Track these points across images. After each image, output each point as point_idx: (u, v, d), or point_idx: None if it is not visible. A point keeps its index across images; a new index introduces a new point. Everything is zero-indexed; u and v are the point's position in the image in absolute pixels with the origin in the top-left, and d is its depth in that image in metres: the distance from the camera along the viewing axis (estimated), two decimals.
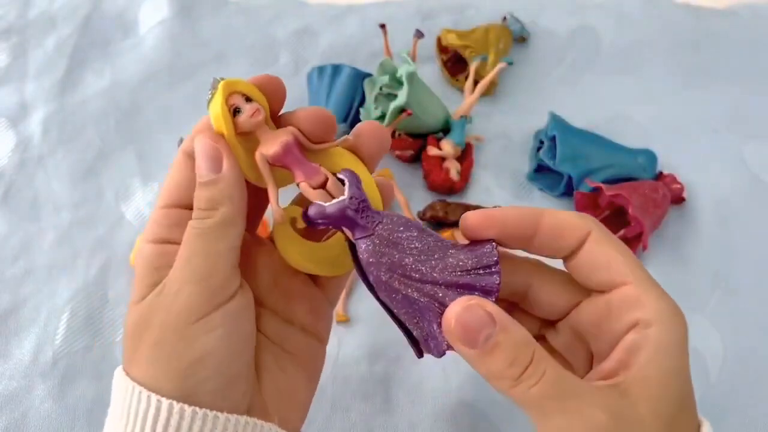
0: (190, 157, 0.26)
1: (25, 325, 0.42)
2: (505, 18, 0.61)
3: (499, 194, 0.50)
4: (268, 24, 0.62)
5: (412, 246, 0.24)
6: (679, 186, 0.49)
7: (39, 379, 0.40)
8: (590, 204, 0.48)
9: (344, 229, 0.25)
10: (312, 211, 0.25)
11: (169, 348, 0.23)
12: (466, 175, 0.50)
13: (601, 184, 0.46)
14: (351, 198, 0.24)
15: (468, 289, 0.24)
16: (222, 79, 0.25)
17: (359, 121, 0.49)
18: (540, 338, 0.29)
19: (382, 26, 0.55)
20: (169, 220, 0.25)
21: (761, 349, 0.42)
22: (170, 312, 0.24)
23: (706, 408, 0.39)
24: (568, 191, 0.49)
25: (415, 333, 0.25)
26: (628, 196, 0.44)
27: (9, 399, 0.39)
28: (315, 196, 0.25)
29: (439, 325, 0.24)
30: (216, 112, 0.24)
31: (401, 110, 0.48)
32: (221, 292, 0.24)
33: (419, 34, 0.55)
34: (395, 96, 0.50)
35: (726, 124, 0.55)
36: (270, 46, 0.61)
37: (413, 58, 0.54)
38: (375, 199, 0.27)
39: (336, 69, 0.53)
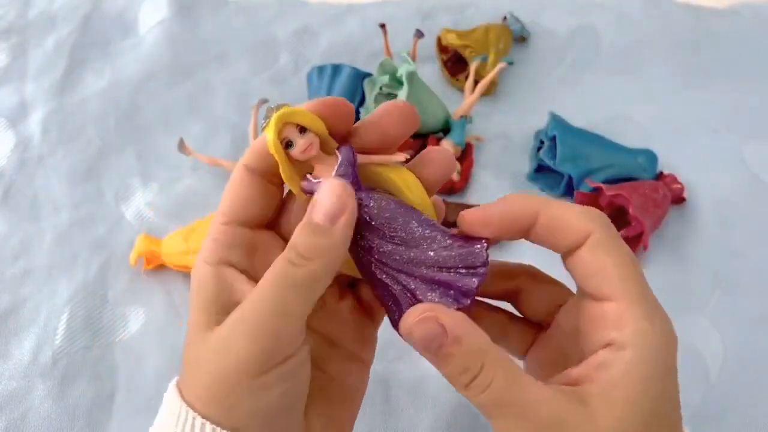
0: (252, 173, 0.25)
1: (25, 325, 0.42)
2: (505, 18, 0.61)
3: (499, 194, 0.49)
4: (268, 24, 0.62)
5: (395, 234, 0.24)
6: (679, 186, 0.49)
7: (39, 379, 0.40)
8: (590, 204, 0.48)
9: None
10: (304, 185, 0.24)
11: (220, 396, 0.22)
12: (466, 175, 0.50)
13: (602, 184, 0.46)
14: (336, 176, 0.24)
15: (445, 286, 0.24)
16: (276, 107, 0.24)
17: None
18: (545, 325, 0.29)
19: (382, 26, 0.55)
20: (228, 238, 0.24)
21: (761, 349, 0.42)
22: (222, 363, 0.22)
23: (706, 408, 0.39)
24: (568, 191, 0.49)
25: (389, 316, 0.25)
26: (628, 196, 0.44)
27: (9, 399, 0.39)
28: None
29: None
30: (269, 144, 0.24)
31: None
32: (286, 349, 0.22)
33: (419, 34, 0.55)
34: (395, 96, 0.50)
35: (726, 124, 0.55)
36: (270, 46, 0.61)
37: (413, 58, 0.54)
38: (421, 200, 0.26)
39: (336, 69, 0.53)
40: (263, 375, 0.22)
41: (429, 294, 0.24)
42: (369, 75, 0.52)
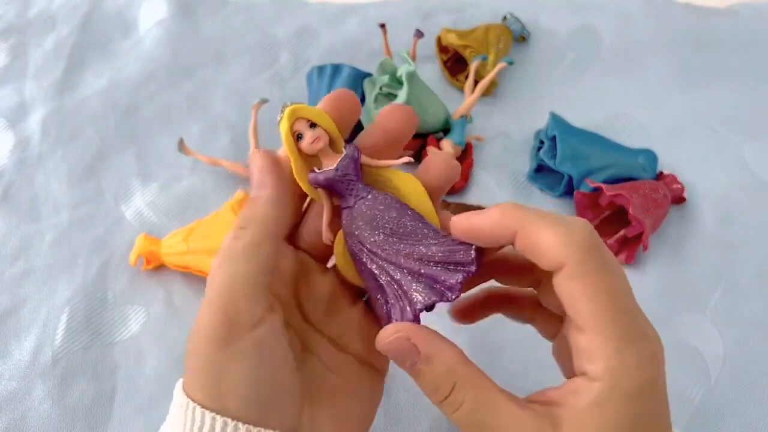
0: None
1: (25, 325, 0.42)
2: (505, 18, 0.61)
3: (499, 194, 0.50)
4: (268, 24, 0.62)
5: (387, 226, 0.25)
6: (679, 186, 0.49)
7: (38, 379, 0.40)
8: (591, 204, 0.48)
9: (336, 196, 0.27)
10: (311, 176, 0.26)
11: (202, 375, 0.23)
12: (466, 175, 0.50)
13: (602, 184, 0.46)
14: (337, 170, 0.26)
15: (430, 279, 0.25)
16: (289, 104, 0.26)
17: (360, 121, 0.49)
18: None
19: (382, 26, 0.55)
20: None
21: (761, 349, 0.42)
22: (197, 339, 0.23)
23: (706, 408, 0.39)
24: (568, 191, 0.49)
25: (376, 308, 0.26)
26: (628, 196, 0.44)
27: (8, 399, 0.39)
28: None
29: (394, 306, 0.25)
30: (282, 136, 0.26)
31: None
32: (241, 321, 0.23)
33: (419, 34, 0.55)
34: (395, 96, 0.50)
35: (726, 124, 0.55)
36: (270, 45, 0.61)
37: (413, 58, 0.54)
38: (423, 204, 0.27)
39: (336, 69, 0.53)
40: (231, 344, 0.23)
41: (414, 285, 0.25)
42: (369, 75, 0.52)
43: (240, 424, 0.22)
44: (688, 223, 0.48)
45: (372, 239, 0.25)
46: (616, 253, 0.46)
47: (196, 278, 0.44)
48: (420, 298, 0.25)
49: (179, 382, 0.25)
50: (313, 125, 0.26)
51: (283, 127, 0.26)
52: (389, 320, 0.25)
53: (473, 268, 0.25)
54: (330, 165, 0.26)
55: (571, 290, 0.22)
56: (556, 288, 0.23)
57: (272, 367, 0.24)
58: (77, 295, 0.44)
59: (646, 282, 0.45)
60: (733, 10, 0.64)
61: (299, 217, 0.28)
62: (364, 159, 0.27)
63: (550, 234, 0.22)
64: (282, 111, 0.26)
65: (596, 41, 0.61)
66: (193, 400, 0.23)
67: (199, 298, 0.43)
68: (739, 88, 0.57)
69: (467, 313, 0.31)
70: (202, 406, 0.23)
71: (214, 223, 0.43)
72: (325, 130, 0.26)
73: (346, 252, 0.27)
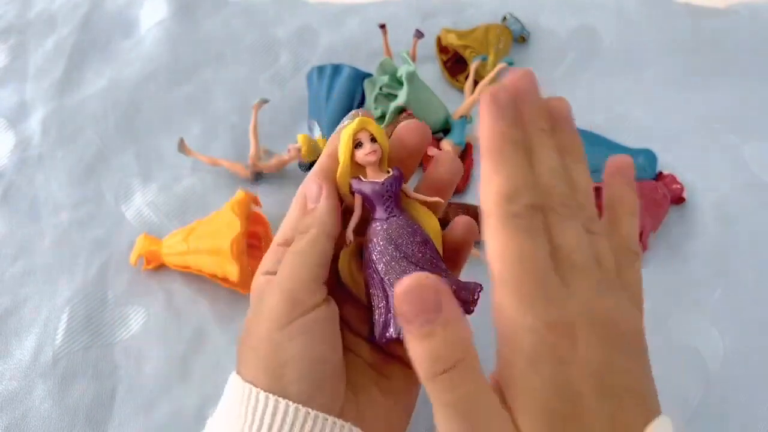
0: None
1: (25, 325, 0.42)
2: (505, 18, 0.61)
3: None
4: (268, 24, 0.62)
5: (409, 247, 0.28)
6: (679, 186, 0.49)
7: (39, 379, 0.40)
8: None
9: (370, 206, 0.29)
10: (353, 182, 0.29)
11: (261, 353, 0.26)
12: (466, 175, 0.50)
13: (601, 184, 0.46)
14: (383, 184, 0.28)
15: None
16: (360, 113, 0.29)
17: None
18: None
19: (382, 26, 0.55)
20: (279, 256, 0.29)
21: (761, 349, 0.42)
22: (261, 320, 0.27)
23: (706, 408, 0.39)
24: None
25: (375, 316, 0.28)
26: None
27: (9, 399, 0.39)
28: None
29: (395, 317, 0.27)
30: (343, 138, 0.28)
31: (401, 110, 0.48)
32: (303, 302, 0.26)
33: (419, 34, 0.55)
34: (395, 96, 0.50)
35: (726, 124, 0.55)
36: (270, 46, 0.61)
37: (413, 58, 0.54)
38: (438, 244, 0.30)
39: (336, 69, 0.53)
40: (287, 326, 0.26)
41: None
42: (369, 75, 0.52)
43: (300, 407, 0.25)
44: (687, 223, 0.48)
45: (393, 253, 0.28)
46: None
47: (196, 278, 0.44)
48: None
49: (233, 374, 0.27)
50: (373, 140, 0.28)
51: (348, 131, 0.28)
52: (384, 329, 0.27)
53: (472, 309, 0.27)
54: (375, 179, 0.29)
55: (488, 243, 0.24)
56: (484, 236, 0.24)
57: (324, 348, 0.27)
58: (77, 295, 0.44)
59: (646, 282, 0.44)
60: (733, 10, 0.64)
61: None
62: (404, 187, 0.30)
63: (496, 183, 0.25)
64: (352, 118, 0.28)
65: (596, 41, 0.61)
66: (251, 383, 0.26)
67: (199, 298, 0.44)
68: (739, 88, 0.57)
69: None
70: (260, 387, 0.25)
71: (214, 223, 0.43)
72: (381, 148, 0.28)
73: (350, 260, 0.30)
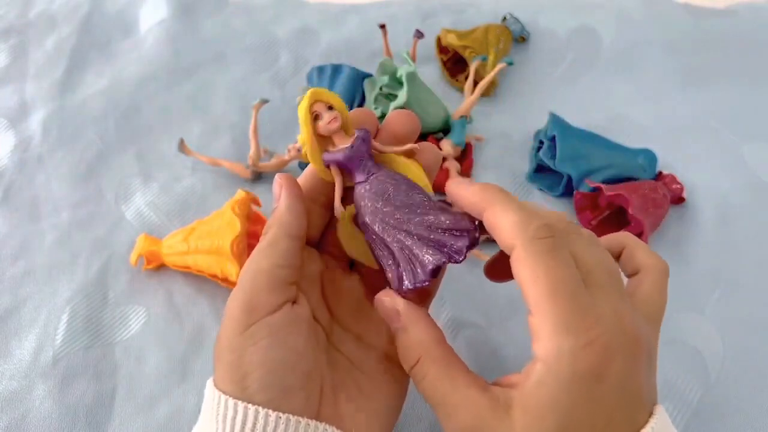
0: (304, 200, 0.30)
1: (25, 325, 0.42)
2: (504, 18, 0.61)
3: None
4: (268, 24, 0.62)
5: (398, 198, 0.28)
6: (679, 186, 0.49)
7: (39, 379, 0.40)
8: (590, 204, 0.48)
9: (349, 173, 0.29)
10: (325, 156, 0.29)
11: (225, 360, 0.26)
12: (466, 175, 0.50)
13: (601, 184, 0.46)
14: (352, 147, 0.28)
15: (438, 245, 0.27)
16: (308, 87, 0.28)
17: None
18: None
19: (382, 26, 0.55)
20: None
21: (761, 349, 0.42)
22: (224, 326, 0.26)
23: (706, 408, 0.39)
24: (568, 191, 0.49)
25: (388, 274, 0.28)
26: (628, 196, 0.44)
27: (9, 399, 0.39)
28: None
29: (406, 270, 0.27)
30: (300, 115, 0.28)
31: None
32: (260, 305, 0.26)
33: (419, 34, 0.55)
34: (395, 96, 0.50)
35: (726, 124, 0.55)
36: (270, 46, 0.61)
37: (413, 58, 0.54)
38: (426, 187, 0.30)
39: (336, 69, 0.53)
40: (246, 330, 0.25)
41: (424, 249, 0.27)
42: (369, 75, 0.52)
43: (270, 411, 0.24)
44: (687, 223, 0.48)
45: (384, 209, 0.27)
46: None
47: (196, 278, 0.44)
48: (431, 259, 0.26)
49: (209, 380, 0.27)
50: (330, 108, 0.28)
51: (303, 107, 0.28)
52: (400, 283, 0.27)
53: (477, 234, 0.27)
54: (343, 145, 0.28)
55: (518, 272, 0.24)
56: (512, 269, 0.25)
57: (288, 351, 0.26)
58: (78, 294, 0.44)
59: None
60: (733, 10, 0.64)
61: (323, 226, 0.31)
62: (374, 143, 0.29)
63: (508, 218, 0.25)
64: (301, 93, 0.28)
65: (596, 41, 0.61)
66: (221, 391, 0.25)
67: (199, 298, 0.44)
68: (738, 88, 0.57)
69: (497, 272, 0.32)
70: (229, 395, 0.25)
71: (214, 223, 0.43)
72: (339, 114, 0.28)
73: (350, 228, 0.30)
